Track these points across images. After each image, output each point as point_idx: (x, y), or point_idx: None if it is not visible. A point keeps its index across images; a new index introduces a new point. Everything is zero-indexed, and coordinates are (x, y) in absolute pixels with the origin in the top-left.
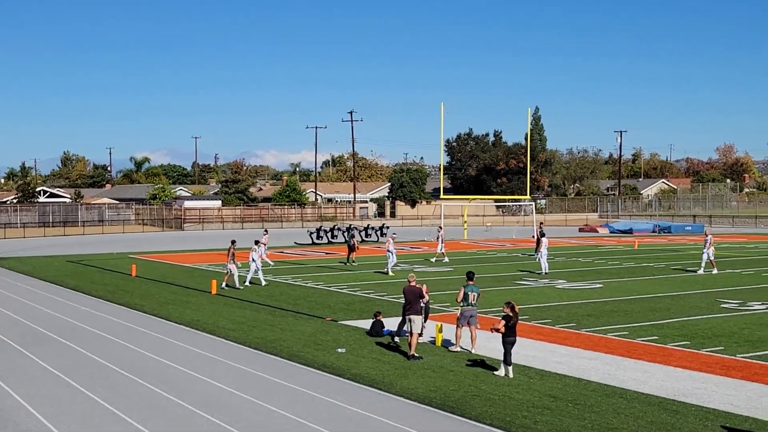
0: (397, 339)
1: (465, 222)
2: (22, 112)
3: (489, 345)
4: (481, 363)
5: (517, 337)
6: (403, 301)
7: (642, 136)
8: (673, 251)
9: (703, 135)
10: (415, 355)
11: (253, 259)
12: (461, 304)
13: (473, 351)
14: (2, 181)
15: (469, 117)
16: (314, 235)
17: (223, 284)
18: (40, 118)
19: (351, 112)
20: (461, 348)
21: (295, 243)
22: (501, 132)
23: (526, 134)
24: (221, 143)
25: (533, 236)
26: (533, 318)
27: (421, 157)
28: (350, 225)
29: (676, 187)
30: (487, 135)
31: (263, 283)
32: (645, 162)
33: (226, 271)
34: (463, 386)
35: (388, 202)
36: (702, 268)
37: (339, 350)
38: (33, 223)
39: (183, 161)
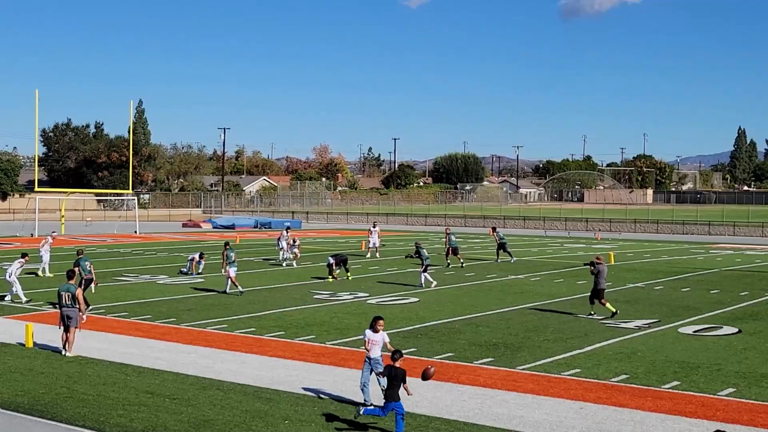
0: None
1: (63, 216)
2: None
3: (85, 344)
4: (75, 364)
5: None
6: None
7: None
8: (273, 246)
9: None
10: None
11: None
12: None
13: (68, 354)
14: None
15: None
16: None
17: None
18: None
19: None
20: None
21: None
22: (103, 124)
23: (129, 127)
24: None
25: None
26: (133, 314)
27: (14, 147)
28: None
29: (276, 185)
30: (88, 126)
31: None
32: (248, 159)
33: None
34: (54, 388)
35: None
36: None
37: None
38: None
39: None
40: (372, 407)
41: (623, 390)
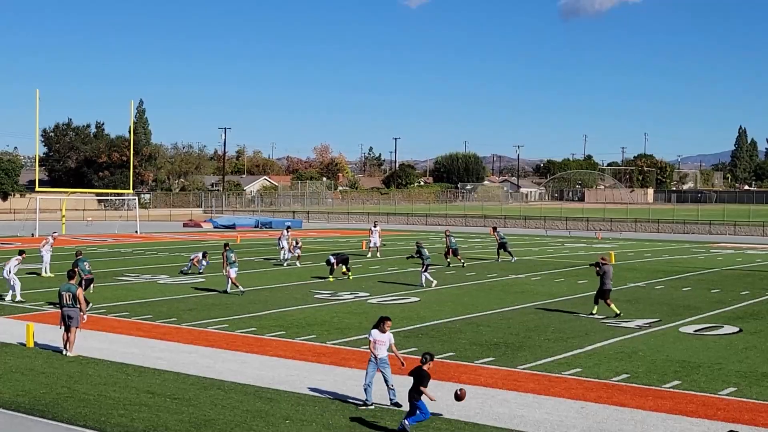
0: None
1: (63, 216)
2: None
3: (86, 344)
4: (76, 364)
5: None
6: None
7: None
8: (273, 245)
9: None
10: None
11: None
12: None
13: (69, 354)
14: None
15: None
16: None
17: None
18: None
19: None
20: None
21: None
22: (103, 123)
23: (130, 127)
24: None
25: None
26: (134, 314)
27: (15, 147)
28: None
29: (277, 184)
30: (89, 126)
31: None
32: (248, 159)
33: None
34: (55, 388)
35: None
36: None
37: None
38: None
39: None
40: (417, 414)
41: (624, 389)
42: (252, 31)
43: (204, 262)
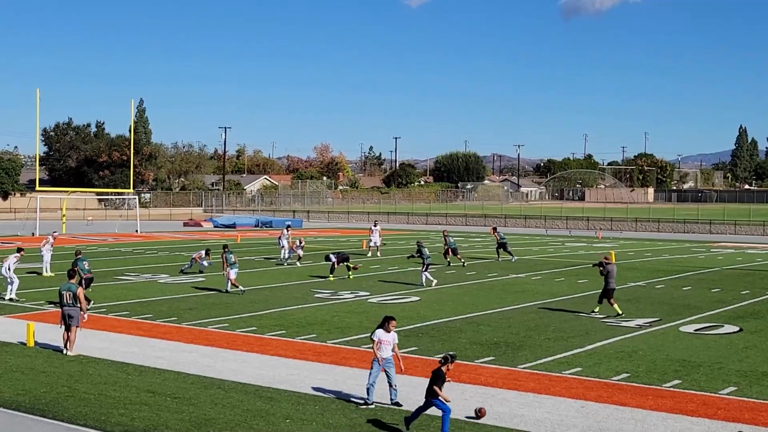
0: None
1: (64, 216)
2: None
3: (86, 343)
4: (76, 363)
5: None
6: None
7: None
8: (274, 245)
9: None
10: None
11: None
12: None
13: (70, 353)
14: None
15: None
16: None
17: None
18: None
19: None
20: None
21: None
22: (104, 123)
23: (130, 126)
24: None
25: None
26: (134, 313)
27: (16, 146)
28: None
29: (277, 184)
30: (89, 125)
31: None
32: (249, 158)
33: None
34: (55, 387)
35: None
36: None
37: None
38: None
39: None
40: (443, 415)
41: (624, 389)
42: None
43: (205, 263)
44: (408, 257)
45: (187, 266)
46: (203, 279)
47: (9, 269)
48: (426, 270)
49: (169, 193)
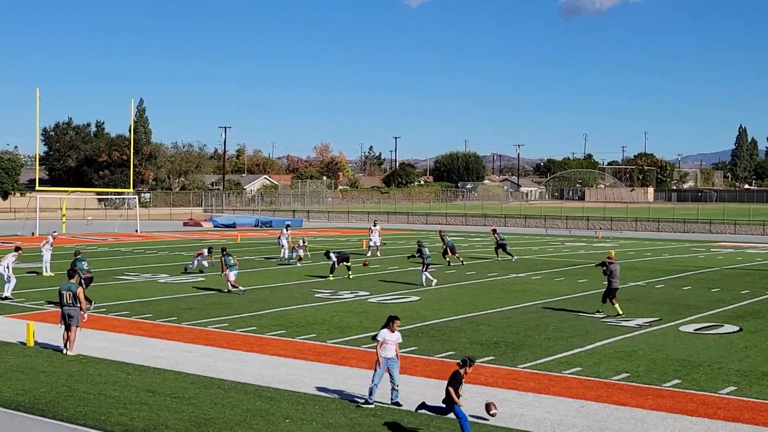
0: None
1: (64, 215)
2: None
3: (86, 343)
4: (76, 363)
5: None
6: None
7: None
8: (274, 244)
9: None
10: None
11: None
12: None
13: (69, 353)
14: None
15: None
16: None
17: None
18: None
19: None
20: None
21: None
22: (104, 123)
23: (130, 126)
24: None
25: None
26: (134, 313)
27: (16, 146)
28: None
29: (277, 183)
30: (89, 125)
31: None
32: (249, 158)
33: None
34: (55, 387)
35: None
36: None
37: None
38: None
39: None
40: (463, 425)
41: (624, 388)
42: (252, 31)
43: (205, 262)
44: (408, 257)
45: (190, 265)
46: (203, 279)
47: (8, 268)
48: (426, 270)
49: (169, 193)
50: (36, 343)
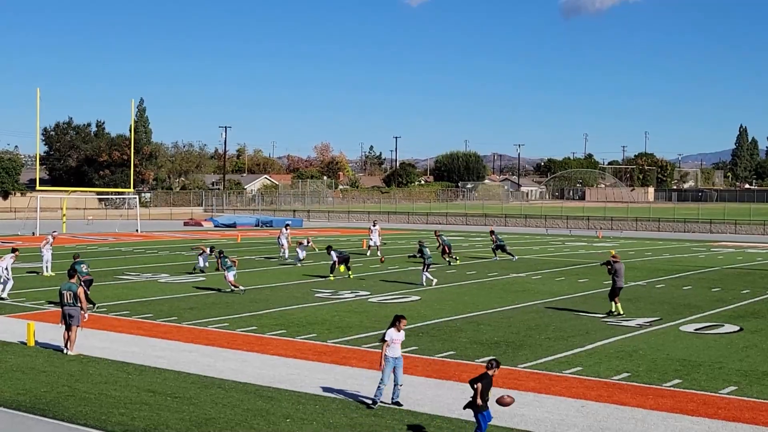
0: None
1: (64, 215)
2: None
3: (87, 343)
4: (76, 362)
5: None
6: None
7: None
8: (274, 244)
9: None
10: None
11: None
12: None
13: (70, 352)
14: None
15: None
16: None
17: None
18: None
19: None
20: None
21: None
22: (104, 122)
23: (131, 126)
24: None
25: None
26: (134, 313)
27: (16, 146)
28: None
29: (278, 183)
30: (89, 125)
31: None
32: (249, 158)
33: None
34: (56, 387)
35: None
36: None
37: None
38: None
39: None
40: (481, 424)
41: (624, 388)
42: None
43: (207, 264)
44: (409, 257)
45: (199, 264)
46: (203, 279)
47: (6, 270)
48: (426, 270)
49: (169, 193)
50: (36, 342)
